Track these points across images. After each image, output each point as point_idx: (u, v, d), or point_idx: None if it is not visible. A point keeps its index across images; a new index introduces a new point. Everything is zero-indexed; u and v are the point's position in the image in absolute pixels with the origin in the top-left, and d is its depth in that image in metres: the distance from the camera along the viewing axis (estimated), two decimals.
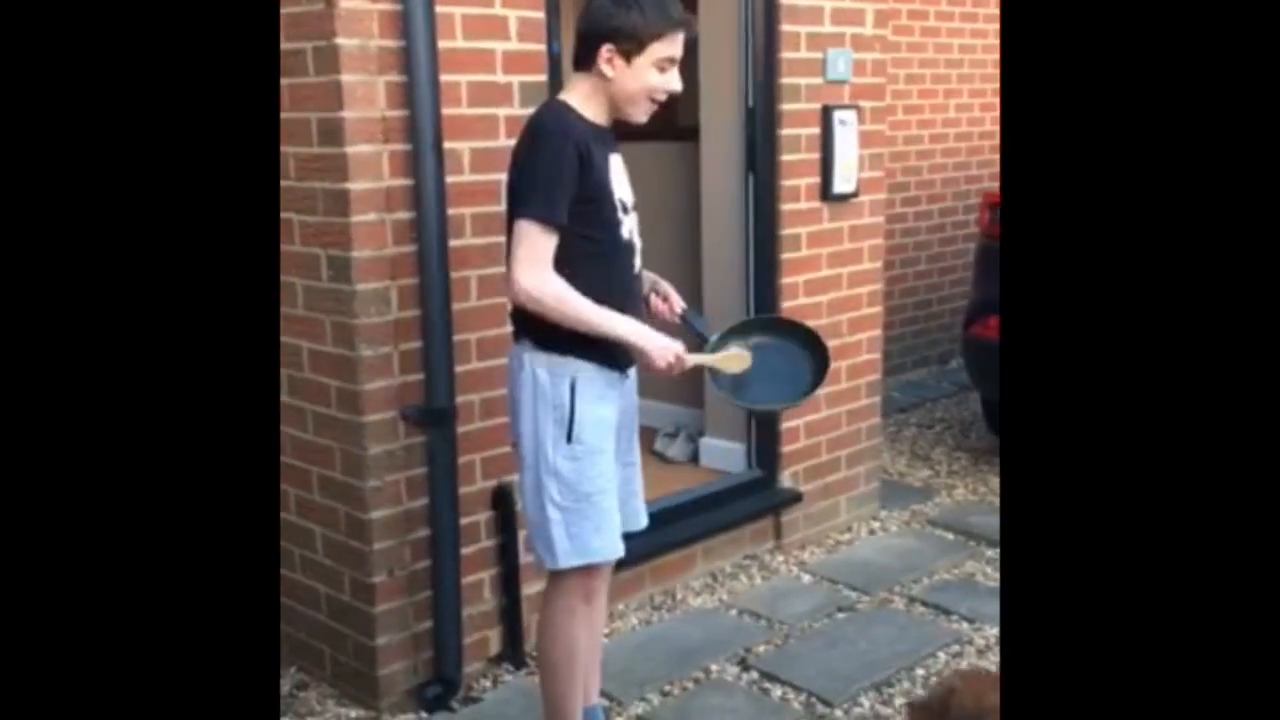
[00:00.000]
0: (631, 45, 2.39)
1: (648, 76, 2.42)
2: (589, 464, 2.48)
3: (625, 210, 2.51)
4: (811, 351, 2.73)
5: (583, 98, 2.45)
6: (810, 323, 4.03)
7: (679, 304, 2.72)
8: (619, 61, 2.40)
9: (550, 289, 2.36)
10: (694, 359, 2.55)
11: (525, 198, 2.36)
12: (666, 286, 2.72)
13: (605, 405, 2.50)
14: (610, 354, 2.49)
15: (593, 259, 2.42)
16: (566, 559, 2.52)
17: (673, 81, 2.46)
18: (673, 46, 2.43)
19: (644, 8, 2.37)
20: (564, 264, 2.37)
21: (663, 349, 2.46)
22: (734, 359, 2.64)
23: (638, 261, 2.59)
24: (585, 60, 2.43)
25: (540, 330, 2.45)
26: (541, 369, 2.46)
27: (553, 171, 2.34)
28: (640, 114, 2.49)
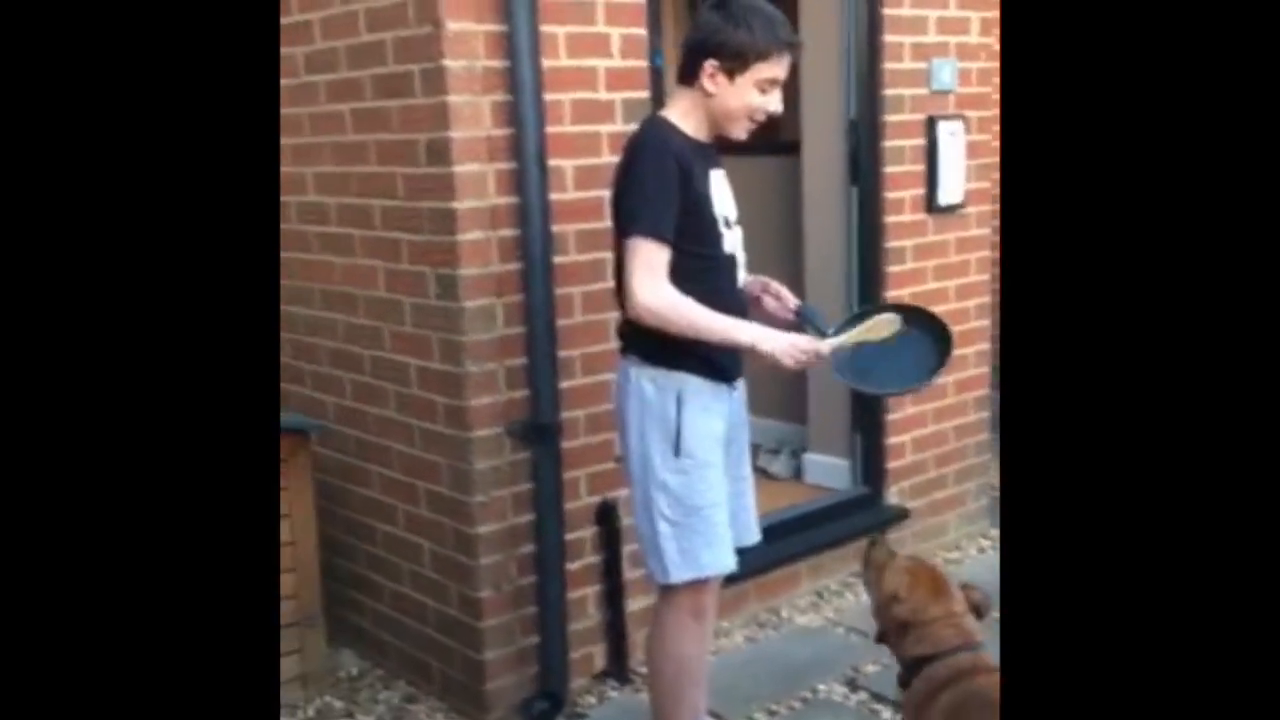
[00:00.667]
0: (736, 63, 2.38)
1: (749, 95, 2.41)
2: (698, 477, 2.47)
3: (728, 225, 2.50)
4: (933, 334, 2.61)
5: (683, 113, 2.46)
6: None
7: (792, 300, 2.69)
8: (721, 78, 2.40)
9: (670, 300, 2.36)
10: (832, 342, 2.47)
11: (634, 214, 2.36)
12: (777, 286, 2.70)
13: (712, 418, 2.49)
14: (717, 366, 2.48)
15: (696, 274, 2.41)
16: (678, 573, 2.51)
17: (774, 103, 2.45)
18: (777, 68, 2.41)
19: (753, 26, 2.36)
20: (678, 277, 2.37)
21: (787, 348, 2.40)
22: (880, 325, 2.54)
23: (741, 275, 2.58)
24: (689, 74, 2.44)
25: (647, 344, 2.45)
26: (648, 382, 2.46)
27: (657, 186, 2.34)
28: (739, 131, 2.48)
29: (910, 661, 2.34)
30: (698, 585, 2.55)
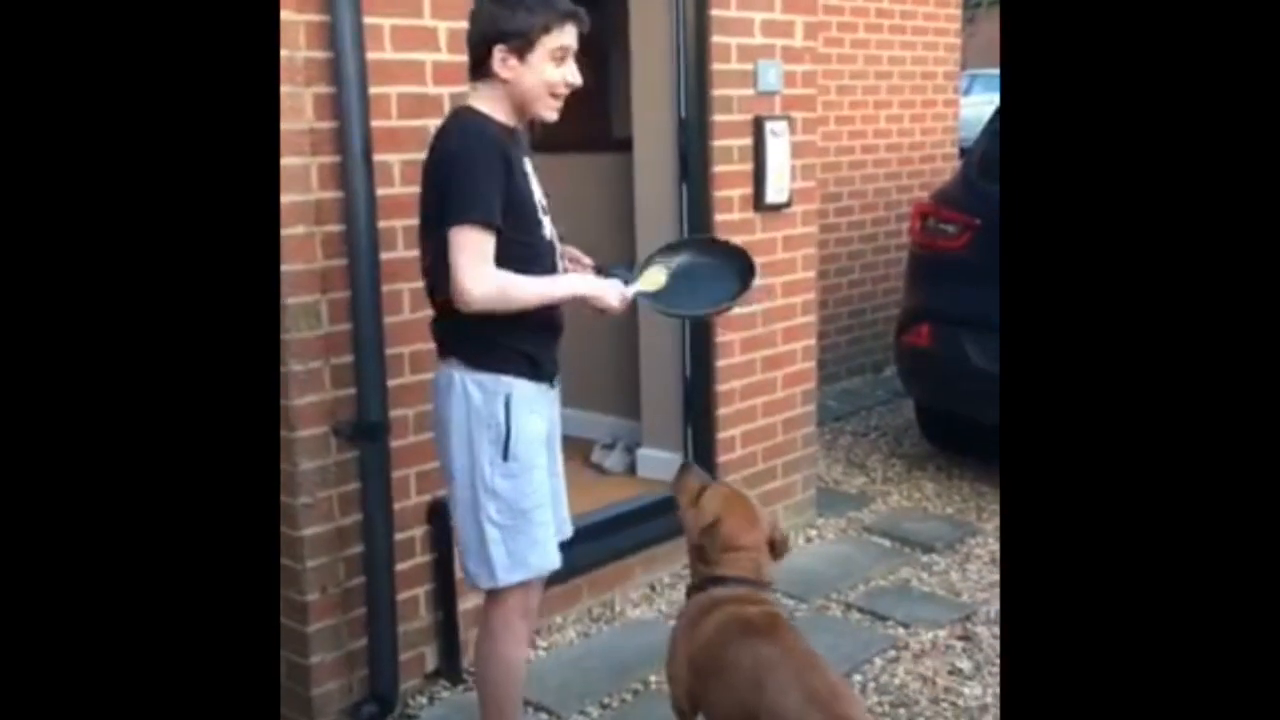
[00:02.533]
0: (522, 43, 2.39)
1: (545, 71, 2.42)
2: (525, 480, 2.48)
3: (544, 211, 2.53)
4: (736, 263, 2.80)
5: (490, 104, 2.46)
6: (745, 334, 4.09)
7: (589, 261, 2.76)
8: (514, 61, 2.41)
9: (500, 283, 2.36)
10: (634, 287, 2.63)
11: (461, 204, 2.34)
12: (573, 250, 2.75)
13: (537, 419, 2.51)
14: (540, 366, 2.50)
15: (519, 260, 2.42)
16: (506, 576, 2.51)
17: (572, 74, 2.45)
18: (564, 36, 2.42)
19: (529, 5, 2.38)
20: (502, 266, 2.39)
21: (611, 288, 2.54)
22: (652, 277, 2.72)
23: (559, 262, 2.61)
24: (482, 67, 2.44)
25: (470, 346, 2.45)
26: (474, 386, 2.45)
27: (484, 175, 2.34)
28: (546, 110, 2.48)
29: (703, 579, 2.58)
30: (526, 585, 2.55)
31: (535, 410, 2.49)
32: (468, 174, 2.34)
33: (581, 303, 2.52)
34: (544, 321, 2.50)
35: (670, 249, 2.84)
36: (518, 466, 2.46)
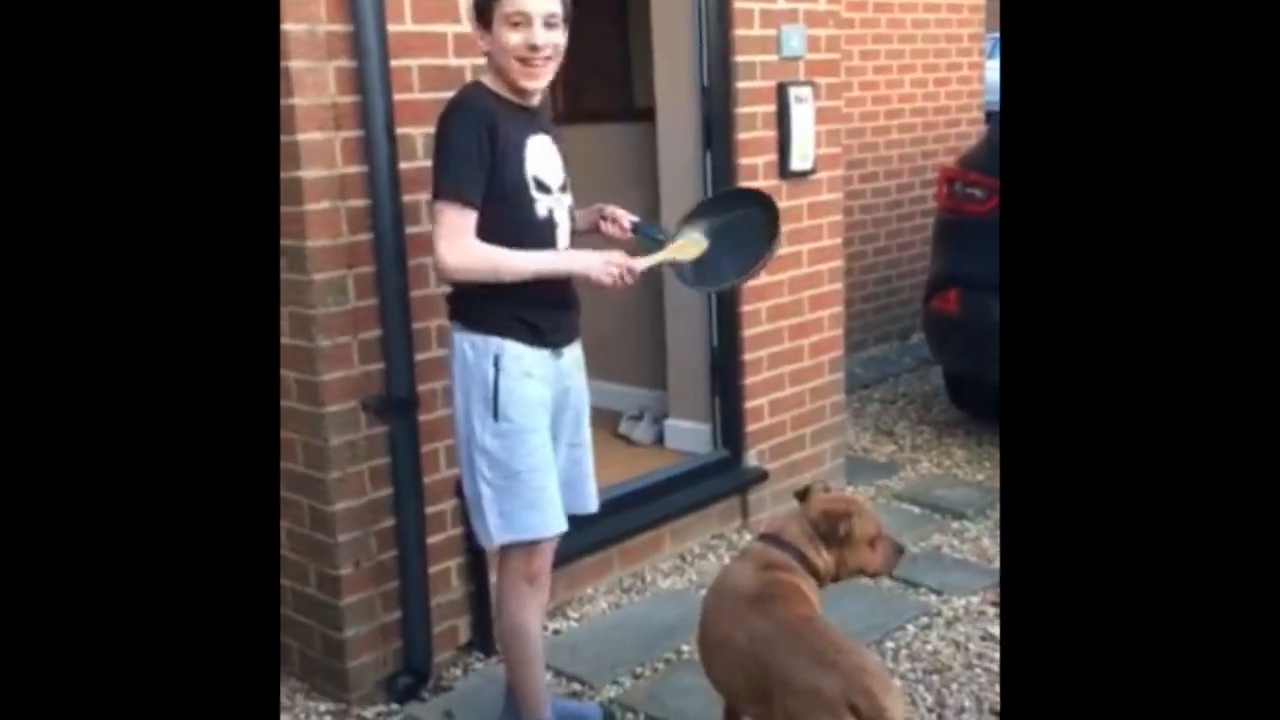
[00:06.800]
0: (484, 14, 2.45)
1: (505, 36, 2.43)
2: (517, 442, 2.50)
3: (542, 188, 2.51)
4: (763, 208, 2.73)
5: (490, 78, 2.50)
6: (771, 302, 4.08)
7: (627, 219, 2.74)
8: (483, 33, 2.47)
9: (476, 255, 2.40)
10: (644, 262, 2.56)
11: (438, 177, 2.40)
12: (613, 209, 2.74)
13: (533, 384, 2.51)
14: (536, 330, 2.51)
15: (501, 235, 2.44)
16: (500, 535, 2.55)
17: (533, 36, 2.40)
18: (516, 2, 2.40)
19: None
20: (486, 241, 2.42)
21: (602, 265, 2.49)
22: (687, 247, 2.64)
23: (562, 241, 2.58)
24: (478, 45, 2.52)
25: (468, 310, 2.50)
26: (468, 347, 2.50)
27: (461, 148, 2.38)
28: (521, 77, 2.45)
29: (847, 571, 2.66)
30: (529, 549, 2.59)
31: (530, 374, 2.51)
32: (446, 149, 2.40)
33: (582, 279, 2.53)
34: (544, 289, 2.50)
35: (698, 211, 2.78)
36: (509, 427, 2.49)
